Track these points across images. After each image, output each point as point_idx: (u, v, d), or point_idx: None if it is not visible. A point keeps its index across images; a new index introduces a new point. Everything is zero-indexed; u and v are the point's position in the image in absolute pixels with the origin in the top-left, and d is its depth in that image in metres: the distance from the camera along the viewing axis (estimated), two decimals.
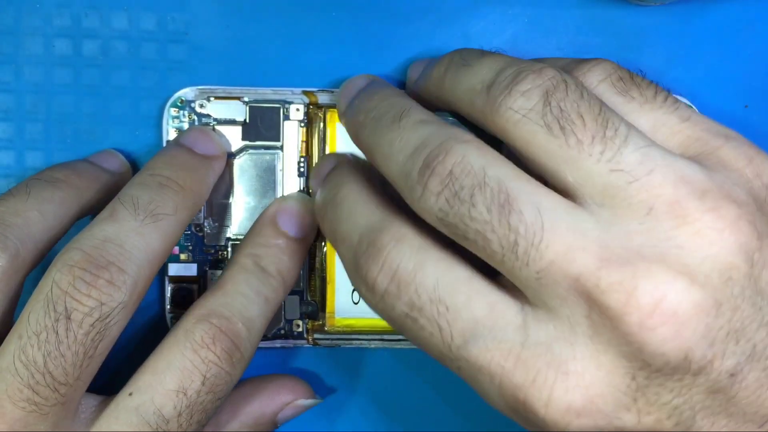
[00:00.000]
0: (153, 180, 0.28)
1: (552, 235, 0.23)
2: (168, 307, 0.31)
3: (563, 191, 0.24)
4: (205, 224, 0.31)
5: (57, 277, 0.25)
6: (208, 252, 0.31)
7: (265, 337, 0.31)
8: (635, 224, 0.23)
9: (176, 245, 0.31)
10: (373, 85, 0.29)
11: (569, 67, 0.26)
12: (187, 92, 0.31)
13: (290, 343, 0.32)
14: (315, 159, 0.31)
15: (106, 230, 0.26)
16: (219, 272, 0.31)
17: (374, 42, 0.31)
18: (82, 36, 0.31)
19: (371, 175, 0.28)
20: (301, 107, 0.31)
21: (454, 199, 0.23)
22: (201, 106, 0.31)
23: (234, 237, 0.31)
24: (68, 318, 0.25)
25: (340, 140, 0.31)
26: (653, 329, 0.22)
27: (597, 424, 0.23)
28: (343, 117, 0.29)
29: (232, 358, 0.27)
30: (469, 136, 0.24)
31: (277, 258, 0.29)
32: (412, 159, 0.25)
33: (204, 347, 0.26)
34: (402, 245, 0.25)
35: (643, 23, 0.31)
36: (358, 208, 0.26)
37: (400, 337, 0.31)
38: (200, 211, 0.31)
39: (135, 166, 0.31)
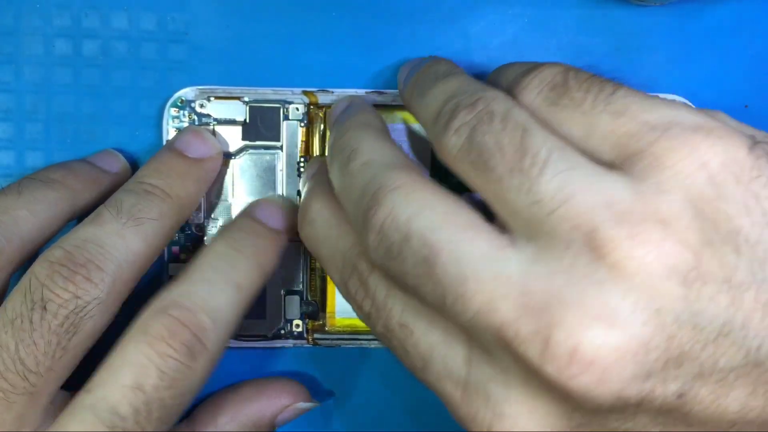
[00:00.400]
0: (139, 187, 0.28)
1: (475, 285, 0.22)
2: None
3: (501, 225, 0.23)
4: (206, 224, 0.31)
5: (37, 270, 0.26)
6: None
7: (264, 337, 0.31)
8: (556, 262, 0.21)
9: (178, 246, 0.31)
10: (345, 112, 0.29)
11: (515, 81, 0.25)
12: (187, 92, 0.31)
13: (290, 343, 0.32)
14: None
15: (89, 231, 0.27)
16: None
17: (374, 42, 0.31)
18: (82, 36, 0.31)
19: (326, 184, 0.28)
20: (301, 106, 0.31)
21: (387, 254, 0.23)
22: (201, 106, 0.31)
23: None
24: (43, 308, 0.25)
25: None
26: (574, 378, 0.21)
27: None
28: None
29: (193, 351, 0.26)
30: (400, 181, 0.24)
31: (253, 241, 0.29)
32: (356, 209, 0.25)
33: (161, 341, 0.25)
34: (375, 272, 0.25)
35: (643, 23, 0.31)
36: (333, 231, 0.27)
37: None
38: (200, 211, 0.31)
39: (135, 167, 0.31)
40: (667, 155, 0.22)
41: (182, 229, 0.31)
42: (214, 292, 0.27)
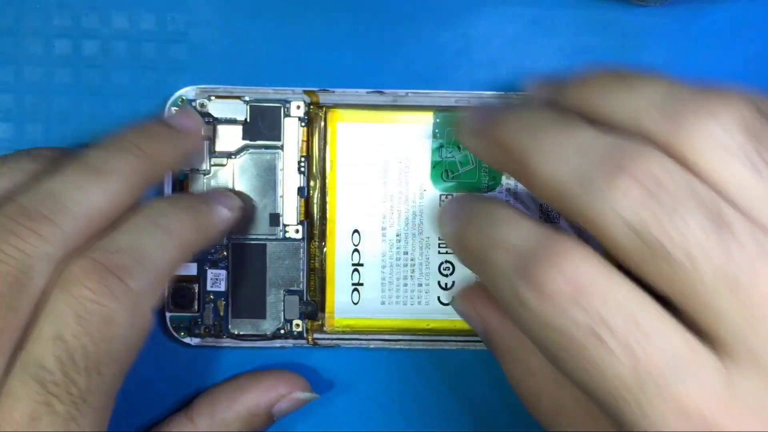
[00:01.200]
0: (112, 141, 0.27)
1: None
2: (168, 306, 0.31)
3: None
4: None
5: None
6: (208, 251, 0.31)
7: (264, 337, 0.31)
8: None
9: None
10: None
11: (685, 98, 0.22)
12: (188, 91, 0.31)
13: (290, 342, 0.32)
14: (316, 159, 0.31)
15: (46, 184, 0.26)
16: (219, 272, 0.31)
17: (374, 42, 0.31)
18: (82, 36, 0.31)
19: None
20: (302, 105, 0.31)
21: (655, 206, 0.20)
22: (202, 105, 0.31)
23: (234, 236, 0.31)
24: None
25: (340, 140, 0.31)
26: None
27: None
28: (474, 134, 0.26)
29: (113, 291, 0.24)
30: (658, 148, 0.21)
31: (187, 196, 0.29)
32: (589, 157, 0.21)
33: (74, 283, 0.24)
34: (588, 255, 0.21)
35: (643, 23, 0.31)
36: (520, 217, 0.23)
37: (399, 337, 0.32)
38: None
39: None
40: None
41: None
42: (139, 236, 0.26)
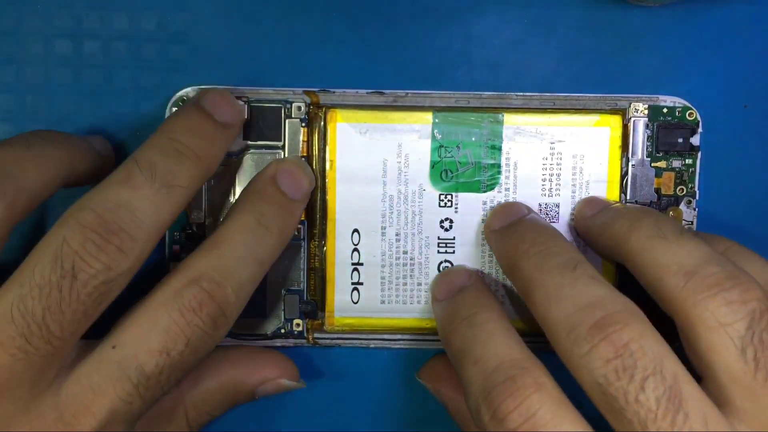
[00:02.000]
0: (171, 146, 0.27)
1: None
2: None
3: (713, 396, 0.24)
4: (206, 224, 0.31)
5: (68, 235, 0.25)
6: None
7: (265, 336, 0.31)
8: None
9: (178, 245, 0.31)
10: (535, 217, 0.30)
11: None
12: (188, 91, 0.31)
13: (290, 342, 0.32)
14: (315, 158, 0.31)
15: (121, 194, 0.26)
16: None
17: (374, 42, 0.31)
18: (82, 36, 0.31)
19: (503, 308, 0.29)
20: (303, 105, 0.31)
21: (623, 374, 0.24)
22: None
23: None
24: (74, 277, 0.25)
25: (340, 140, 0.31)
26: None
27: None
28: (493, 233, 0.30)
29: (217, 323, 0.27)
30: (644, 317, 0.25)
31: (280, 217, 0.29)
32: (582, 313, 0.25)
33: (191, 311, 0.26)
34: (543, 393, 0.25)
35: (643, 23, 0.31)
36: (499, 337, 0.27)
37: (399, 336, 0.32)
38: (201, 210, 0.31)
39: None
40: None
41: (183, 228, 0.31)
42: (241, 269, 0.27)
